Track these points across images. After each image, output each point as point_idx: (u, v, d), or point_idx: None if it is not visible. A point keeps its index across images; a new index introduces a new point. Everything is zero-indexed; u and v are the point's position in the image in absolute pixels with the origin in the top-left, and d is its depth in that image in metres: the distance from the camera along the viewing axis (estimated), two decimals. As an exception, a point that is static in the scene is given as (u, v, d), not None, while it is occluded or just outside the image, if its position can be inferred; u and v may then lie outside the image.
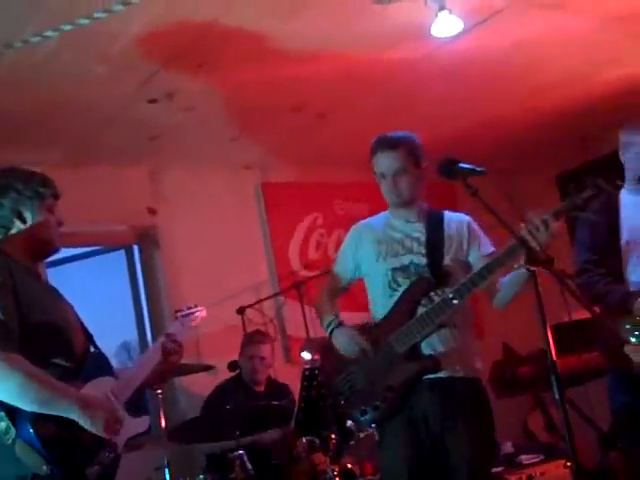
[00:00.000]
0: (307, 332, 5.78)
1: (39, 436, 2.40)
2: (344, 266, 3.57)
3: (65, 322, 2.70)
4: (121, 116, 4.97)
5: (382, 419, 3.26)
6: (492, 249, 3.39)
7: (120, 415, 2.64)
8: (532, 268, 2.62)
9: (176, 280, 5.91)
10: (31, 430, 2.40)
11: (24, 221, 2.71)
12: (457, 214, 3.51)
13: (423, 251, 3.34)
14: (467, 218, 3.48)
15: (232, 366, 5.29)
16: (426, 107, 5.70)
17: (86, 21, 3.70)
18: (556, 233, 2.90)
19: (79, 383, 2.61)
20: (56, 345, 2.62)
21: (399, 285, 3.32)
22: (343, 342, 3.33)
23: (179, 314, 3.25)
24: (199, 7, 3.91)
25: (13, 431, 2.40)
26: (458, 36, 4.52)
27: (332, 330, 3.38)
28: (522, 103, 5.94)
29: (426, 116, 5.82)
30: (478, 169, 2.87)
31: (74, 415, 2.47)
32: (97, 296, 5.74)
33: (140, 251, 6.13)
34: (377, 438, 3.36)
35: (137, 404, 2.95)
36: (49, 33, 3.77)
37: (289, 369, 5.79)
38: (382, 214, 3.56)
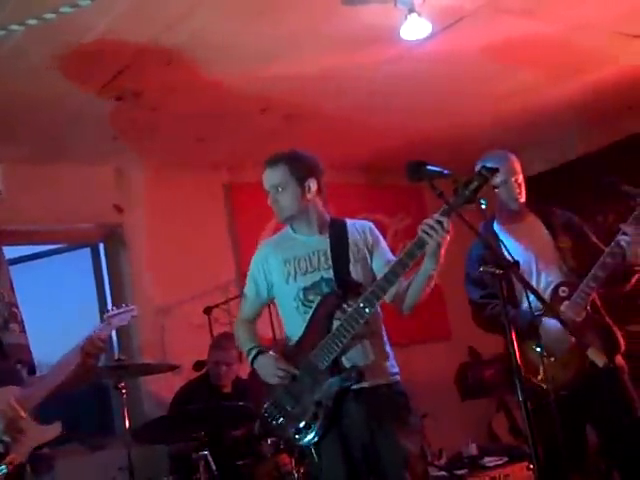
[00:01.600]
0: (273, 333, 5.78)
1: None
2: (255, 290, 3.56)
3: None
4: (87, 113, 4.92)
5: (317, 436, 3.26)
6: (392, 257, 3.42)
7: (19, 425, 2.60)
8: (498, 271, 2.63)
9: (142, 279, 5.88)
10: None
11: None
12: (359, 221, 3.55)
13: (330, 264, 3.36)
14: (369, 224, 3.53)
15: (198, 366, 5.27)
16: (395, 110, 5.72)
17: (52, 15, 3.64)
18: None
19: None
20: None
21: (312, 302, 3.34)
22: (266, 371, 3.35)
23: (107, 315, 3.19)
24: (167, 3, 3.88)
25: None
26: (427, 39, 4.53)
27: (253, 359, 3.40)
28: (489, 107, 5.97)
29: (394, 119, 5.85)
30: (445, 172, 2.89)
31: None
32: (62, 293, 5.70)
33: (106, 249, 6.10)
34: (313, 458, 3.32)
35: (48, 410, 2.92)
36: (14, 27, 3.71)
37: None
38: (286, 229, 3.59)
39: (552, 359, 3.58)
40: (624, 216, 3.68)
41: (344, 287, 3.31)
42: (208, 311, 5.75)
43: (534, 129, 6.52)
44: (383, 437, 3.26)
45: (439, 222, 3.00)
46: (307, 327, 3.32)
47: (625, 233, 3.56)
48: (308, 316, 3.33)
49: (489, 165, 3.75)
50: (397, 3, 4.17)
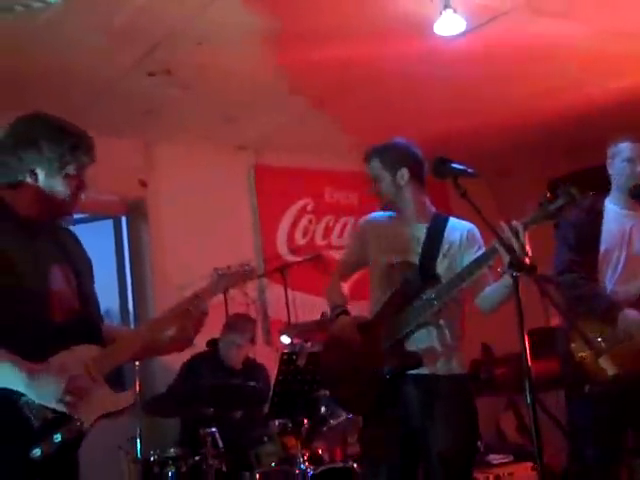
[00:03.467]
0: (288, 316, 5.82)
1: None
2: (350, 257, 3.68)
3: (42, 286, 2.47)
4: (119, 87, 4.97)
5: (367, 410, 3.38)
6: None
7: (84, 383, 2.38)
8: (515, 274, 2.65)
9: (161, 253, 5.93)
10: None
11: (36, 180, 2.52)
12: (462, 222, 3.54)
13: (419, 252, 3.40)
14: (470, 226, 3.50)
15: (211, 344, 5.31)
16: (424, 102, 5.73)
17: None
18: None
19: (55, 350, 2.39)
20: (22, 310, 2.40)
21: (393, 281, 3.39)
22: (340, 329, 3.43)
23: (218, 272, 2.85)
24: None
25: None
26: (460, 35, 4.54)
27: (336, 316, 3.48)
28: (519, 106, 5.97)
29: (423, 112, 5.86)
30: (469, 170, 2.89)
31: (20, 386, 2.27)
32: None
33: (128, 222, 6.15)
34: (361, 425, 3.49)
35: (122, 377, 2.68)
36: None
37: (268, 351, 5.82)
38: (388, 212, 3.63)
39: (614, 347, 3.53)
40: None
41: (425, 277, 3.35)
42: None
43: (560, 131, 6.50)
44: (434, 437, 3.27)
45: (516, 231, 2.93)
46: (383, 306, 3.38)
47: None
48: (388, 293, 3.39)
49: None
50: (433, -2, 4.18)
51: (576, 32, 4.79)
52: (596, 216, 3.77)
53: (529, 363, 2.62)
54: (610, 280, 3.72)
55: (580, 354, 3.55)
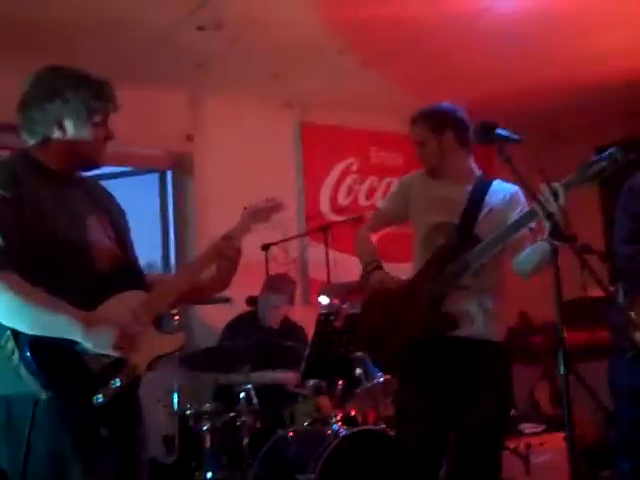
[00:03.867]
0: (328, 276, 5.83)
1: (36, 360, 2.26)
2: (389, 209, 3.69)
3: (81, 237, 2.50)
4: (168, 40, 4.96)
5: (402, 371, 3.42)
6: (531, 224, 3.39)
7: (136, 330, 2.42)
8: (555, 243, 2.61)
9: (205, 208, 5.95)
10: (28, 354, 2.26)
11: (64, 132, 2.51)
12: (506, 184, 3.50)
13: (460, 213, 3.39)
14: (514, 189, 3.45)
15: (250, 302, 5.35)
16: (474, 63, 5.63)
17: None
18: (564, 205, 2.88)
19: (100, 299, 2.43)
20: (66, 262, 2.42)
21: (435, 241, 3.40)
22: (379, 280, 3.46)
23: (246, 210, 2.95)
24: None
25: (17, 353, 2.27)
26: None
27: (371, 270, 3.50)
28: (573, 70, 5.82)
29: (473, 72, 5.76)
30: (514, 137, 2.84)
31: (77, 336, 2.30)
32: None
33: (173, 177, 6.18)
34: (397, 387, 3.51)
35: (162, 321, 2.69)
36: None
37: (306, 310, 5.83)
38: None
39: None
40: None
41: (464, 238, 3.34)
42: (266, 248, 5.80)
43: (611, 97, 6.34)
44: (470, 400, 3.30)
45: (555, 193, 2.89)
46: (424, 266, 3.40)
47: None
48: (429, 253, 3.40)
49: None
50: (490, -42, 4.09)
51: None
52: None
53: (564, 334, 2.60)
54: None
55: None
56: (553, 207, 2.84)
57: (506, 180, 3.47)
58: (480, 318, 3.34)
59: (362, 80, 5.85)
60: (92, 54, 5.02)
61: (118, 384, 2.36)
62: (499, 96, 6.10)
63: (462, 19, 4.88)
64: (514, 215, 3.34)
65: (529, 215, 3.10)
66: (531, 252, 3.25)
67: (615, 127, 6.87)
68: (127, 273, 2.59)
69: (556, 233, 2.61)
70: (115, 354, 2.36)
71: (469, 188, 3.44)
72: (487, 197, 3.43)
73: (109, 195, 2.80)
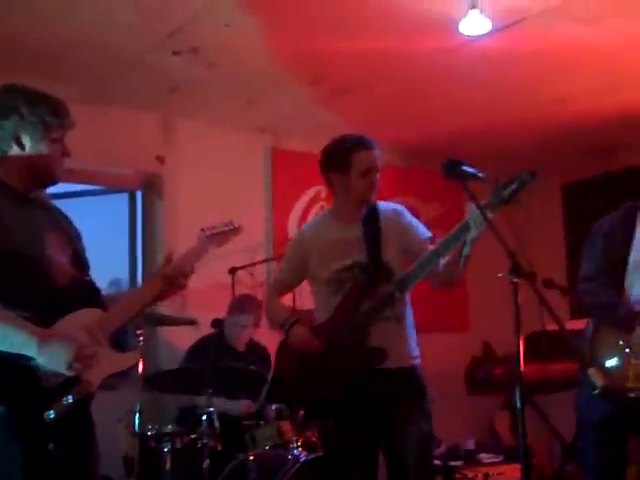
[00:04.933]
0: (294, 302, 5.86)
1: None
2: (289, 272, 3.70)
3: (40, 253, 2.52)
4: (145, 63, 5.00)
5: (334, 409, 3.41)
6: (428, 233, 3.52)
7: (92, 350, 2.42)
8: (515, 280, 2.69)
9: (174, 229, 5.96)
10: None
11: (22, 147, 2.54)
12: (390, 204, 3.61)
13: (364, 248, 3.44)
14: (400, 207, 3.58)
15: (216, 324, 5.35)
16: (443, 100, 5.75)
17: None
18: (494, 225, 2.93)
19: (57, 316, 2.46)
20: (24, 277, 2.44)
21: (343, 285, 3.44)
22: (299, 340, 3.46)
23: (203, 233, 2.99)
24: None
25: None
26: (485, 35, 4.55)
27: (289, 328, 3.50)
28: (538, 110, 5.97)
29: (441, 109, 5.88)
30: (479, 174, 2.92)
31: (32, 352, 2.30)
32: (94, 236, 5.80)
33: (143, 197, 6.20)
34: (330, 427, 3.50)
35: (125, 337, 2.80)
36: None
37: (272, 335, 5.85)
38: (322, 215, 3.73)
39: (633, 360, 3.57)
40: None
41: (377, 271, 3.39)
42: (233, 271, 5.84)
43: (578, 137, 6.53)
44: (401, 419, 3.38)
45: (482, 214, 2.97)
46: (337, 308, 3.42)
47: None
48: (339, 297, 3.42)
49: None
50: (460, -3, 4.20)
51: (602, 40, 4.78)
52: (629, 225, 3.78)
53: (522, 366, 2.67)
54: (637, 291, 3.73)
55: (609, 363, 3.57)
56: (476, 230, 2.94)
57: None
58: (402, 347, 3.44)
59: (333, 109, 5.94)
60: (70, 75, 5.09)
61: (71, 400, 2.38)
62: (467, 133, 6.22)
63: (432, 58, 4.99)
64: (414, 228, 3.47)
65: (461, 230, 3.11)
66: (448, 262, 3.29)
67: (581, 165, 7.04)
68: (84, 291, 2.62)
69: (516, 270, 2.69)
70: (68, 373, 2.36)
71: (361, 220, 3.49)
72: (381, 223, 3.49)
73: (66, 216, 2.84)
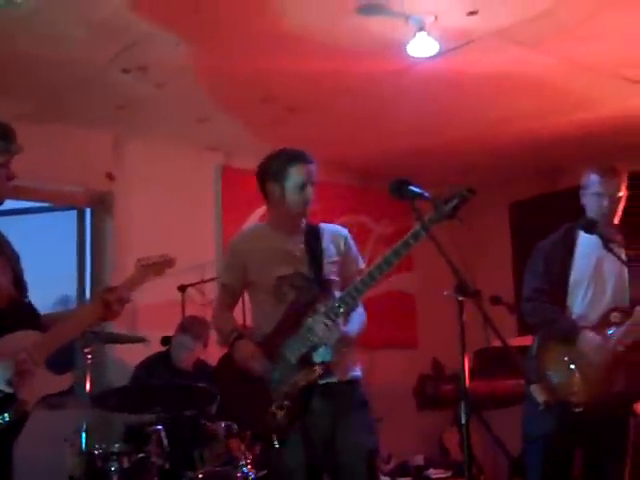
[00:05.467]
0: (244, 319, 5.86)
1: None
2: (233, 277, 3.63)
3: None
4: (94, 81, 5.00)
5: (282, 425, 3.35)
6: (363, 265, 3.58)
7: (30, 368, 2.49)
8: (460, 298, 2.73)
9: (123, 247, 5.94)
10: None
11: None
12: (334, 226, 3.66)
13: (305, 262, 3.46)
14: (344, 232, 3.63)
15: (165, 341, 5.35)
16: (394, 120, 5.83)
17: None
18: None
19: None
20: None
21: (284, 295, 3.43)
22: (243, 355, 3.42)
23: (140, 263, 3.07)
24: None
25: None
26: (433, 58, 4.64)
27: (233, 341, 3.47)
28: (486, 130, 6.11)
29: (392, 129, 5.96)
30: (425, 194, 2.97)
31: None
32: (42, 253, 5.76)
33: (92, 215, 6.17)
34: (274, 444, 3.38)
35: (62, 361, 2.81)
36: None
37: (221, 352, 5.84)
38: (258, 226, 3.78)
39: (577, 375, 3.66)
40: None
41: (319, 286, 3.40)
42: (183, 289, 5.83)
43: (523, 157, 6.68)
44: (345, 433, 3.38)
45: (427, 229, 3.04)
46: (280, 320, 3.40)
47: None
48: (280, 308, 3.41)
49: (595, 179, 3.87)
50: (408, 20, 4.27)
51: (544, 63, 4.91)
52: (569, 245, 3.88)
53: (468, 382, 2.72)
54: (578, 308, 3.83)
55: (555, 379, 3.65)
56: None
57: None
58: (346, 359, 3.46)
59: (284, 128, 5.98)
60: (20, 91, 5.05)
61: (7, 419, 2.43)
62: (417, 152, 6.31)
63: (382, 77, 5.06)
64: (353, 256, 3.55)
65: (391, 257, 3.16)
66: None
67: (527, 184, 7.17)
68: (23, 313, 2.68)
69: (462, 289, 2.73)
70: (7, 390, 2.41)
71: (302, 236, 3.51)
72: (323, 242, 3.52)
73: (5, 238, 2.86)
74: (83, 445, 4.29)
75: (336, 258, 3.53)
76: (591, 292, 3.83)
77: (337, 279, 3.51)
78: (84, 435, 4.29)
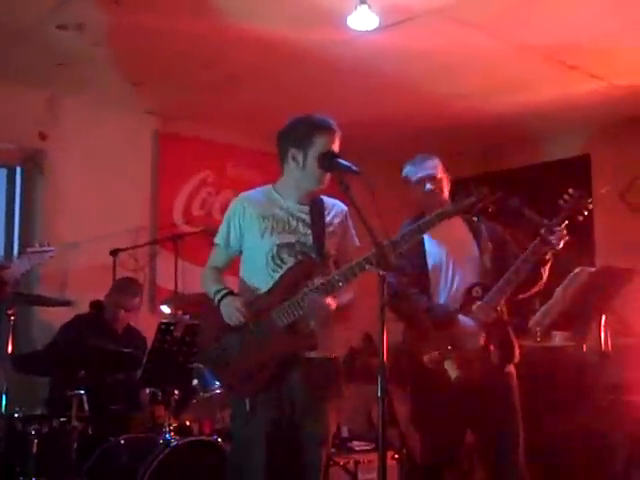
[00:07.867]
0: (176, 286, 5.83)
1: None
2: (228, 239, 3.51)
3: None
4: (29, 37, 4.87)
5: (251, 394, 3.31)
6: (358, 243, 3.53)
7: None
8: (382, 272, 2.74)
9: (54, 209, 5.87)
10: None
11: None
12: (334, 201, 3.54)
13: (308, 232, 3.39)
14: (345, 207, 3.53)
15: (94, 305, 5.28)
16: (335, 90, 5.79)
17: None
18: None
19: None
20: None
21: (283, 262, 3.35)
22: (229, 311, 3.34)
23: (28, 250, 3.32)
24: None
25: None
26: (374, 32, 4.62)
27: (222, 297, 3.39)
28: (426, 107, 6.12)
29: (333, 99, 5.92)
30: (353, 168, 2.96)
31: None
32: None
33: (23, 174, 6.05)
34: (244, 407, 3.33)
35: None
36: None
37: (151, 318, 5.80)
38: (264, 189, 3.56)
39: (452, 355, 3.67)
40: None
41: (319, 257, 3.35)
42: (114, 253, 5.76)
43: (459, 136, 6.73)
44: (312, 410, 3.31)
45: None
46: (275, 284, 3.32)
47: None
48: (277, 274, 3.33)
49: (409, 169, 3.90)
50: (351, -8, 4.25)
51: (485, 43, 4.93)
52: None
53: (385, 358, 2.74)
54: (442, 293, 3.83)
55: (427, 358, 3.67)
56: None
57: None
58: (331, 337, 3.41)
59: (224, 95, 5.92)
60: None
61: None
62: (354, 125, 6.25)
63: (324, 47, 5.03)
64: (351, 234, 3.49)
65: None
66: None
67: (461, 164, 7.21)
68: None
69: (382, 263, 2.73)
70: None
71: (308, 206, 3.44)
72: (326, 215, 3.45)
73: None
74: (3, 408, 4.23)
75: (338, 232, 3.46)
76: (450, 276, 3.83)
77: (335, 253, 3.45)
78: (4, 398, 4.23)
